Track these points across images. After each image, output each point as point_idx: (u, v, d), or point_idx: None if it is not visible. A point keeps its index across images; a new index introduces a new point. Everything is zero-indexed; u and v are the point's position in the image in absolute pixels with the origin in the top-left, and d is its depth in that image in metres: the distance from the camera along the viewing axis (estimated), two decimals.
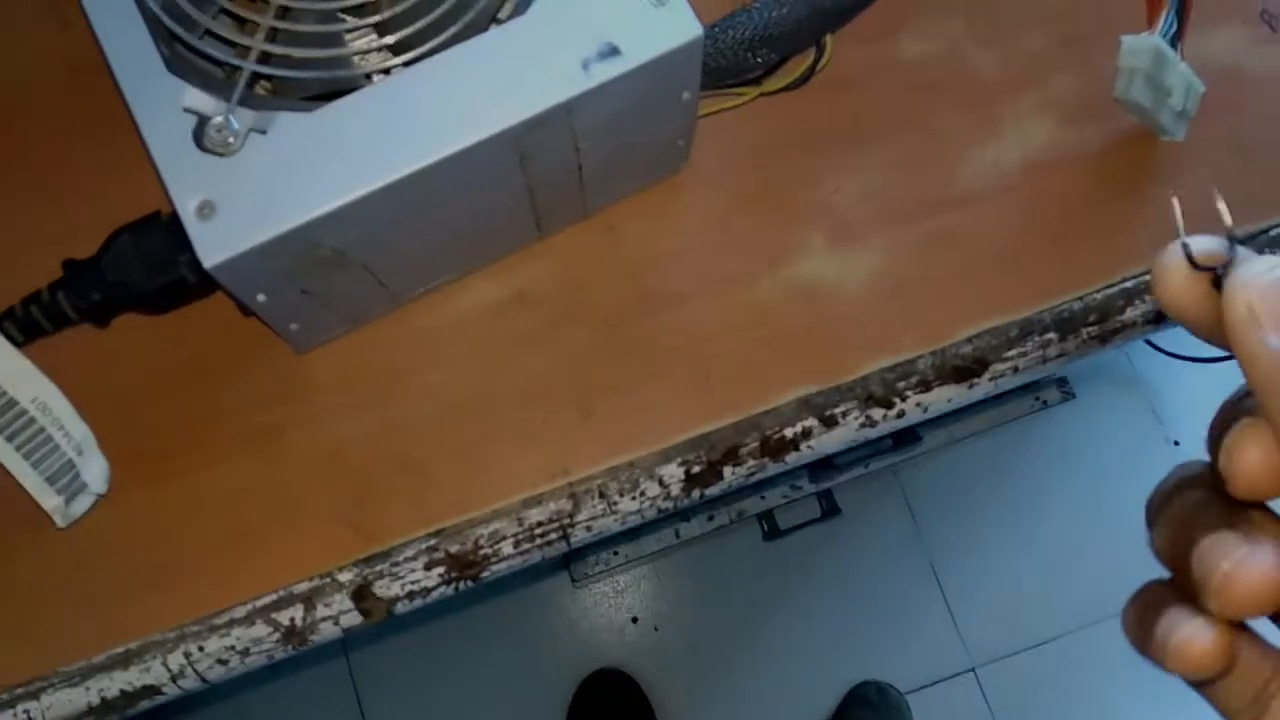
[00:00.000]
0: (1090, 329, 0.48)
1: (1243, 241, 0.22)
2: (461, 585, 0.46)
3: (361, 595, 0.45)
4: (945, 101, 0.50)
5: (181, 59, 0.39)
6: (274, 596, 0.45)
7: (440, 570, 0.45)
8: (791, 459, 0.47)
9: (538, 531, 0.46)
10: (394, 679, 1.27)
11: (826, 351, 0.47)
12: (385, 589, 0.45)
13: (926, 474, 1.30)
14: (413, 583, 0.45)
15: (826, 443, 0.47)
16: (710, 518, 1.08)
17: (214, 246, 0.36)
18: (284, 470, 0.46)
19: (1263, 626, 0.24)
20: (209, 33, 0.39)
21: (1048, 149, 0.49)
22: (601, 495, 0.46)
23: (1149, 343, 1.14)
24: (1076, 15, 0.51)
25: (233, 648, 0.45)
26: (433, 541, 0.45)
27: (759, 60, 0.46)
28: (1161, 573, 0.25)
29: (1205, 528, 0.22)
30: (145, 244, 0.42)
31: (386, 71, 0.39)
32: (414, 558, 0.45)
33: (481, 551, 0.46)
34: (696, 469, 0.46)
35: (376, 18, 0.39)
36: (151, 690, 0.45)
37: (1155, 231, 0.48)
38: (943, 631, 1.29)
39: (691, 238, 0.48)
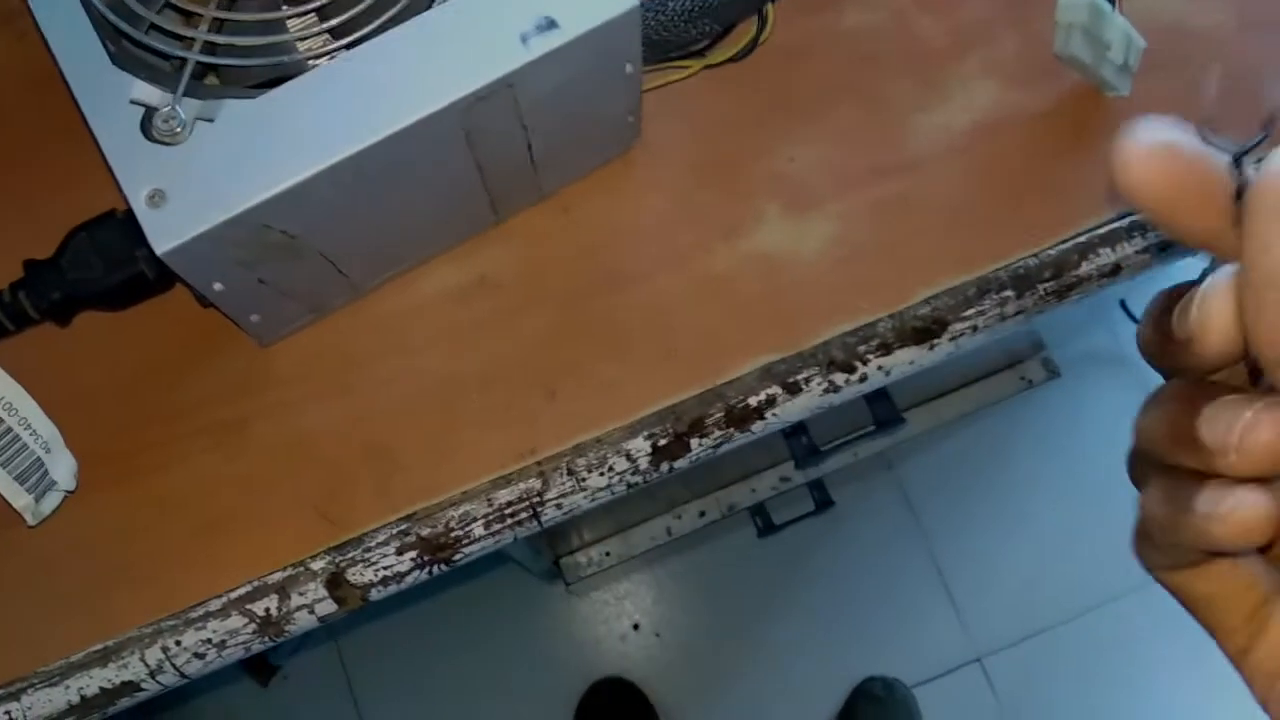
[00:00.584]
0: (1047, 284, 0.48)
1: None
2: (435, 569, 0.46)
3: (335, 583, 0.45)
4: (891, 68, 0.50)
5: (128, 54, 0.39)
6: (248, 587, 0.45)
7: (413, 554, 0.46)
8: (757, 428, 0.47)
9: (508, 511, 0.46)
10: (397, 695, 1.26)
11: (786, 319, 0.47)
12: (359, 575, 0.45)
13: (919, 462, 1.30)
14: (385, 568, 0.45)
15: (791, 410, 0.47)
16: (702, 513, 1.08)
17: (165, 233, 0.37)
18: (252, 462, 0.46)
19: None
20: (154, 27, 0.39)
21: (995, 110, 0.50)
22: (570, 472, 0.46)
23: (1132, 318, 1.14)
24: None
25: (209, 640, 0.45)
26: (404, 526, 0.46)
27: (702, 31, 0.46)
28: None
29: (1207, 397, 0.22)
30: (102, 240, 0.43)
31: (330, 56, 0.40)
32: (385, 543, 0.45)
33: (453, 534, 0.46)
34: (663, 441, 0.46)
35: (318, 3, 0.40)
36: (131, 687, 0.45)
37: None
38: (945, 622, 1.28)
39: (648, 214, 0.49)
